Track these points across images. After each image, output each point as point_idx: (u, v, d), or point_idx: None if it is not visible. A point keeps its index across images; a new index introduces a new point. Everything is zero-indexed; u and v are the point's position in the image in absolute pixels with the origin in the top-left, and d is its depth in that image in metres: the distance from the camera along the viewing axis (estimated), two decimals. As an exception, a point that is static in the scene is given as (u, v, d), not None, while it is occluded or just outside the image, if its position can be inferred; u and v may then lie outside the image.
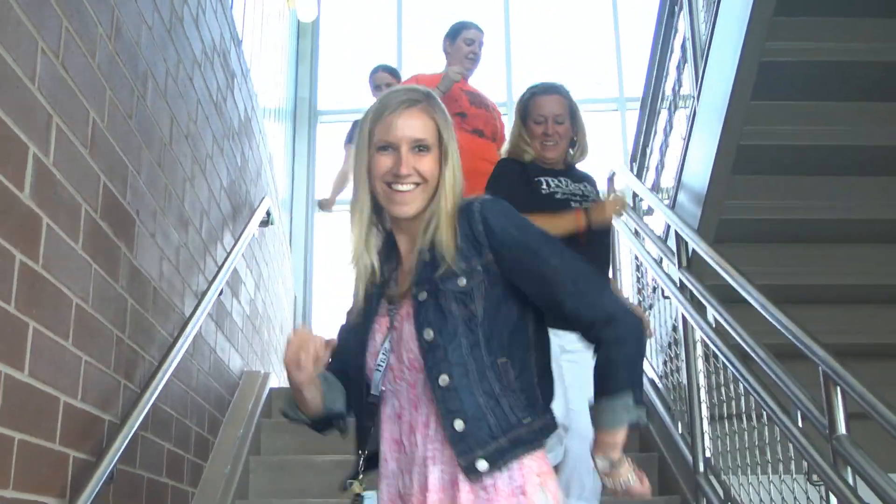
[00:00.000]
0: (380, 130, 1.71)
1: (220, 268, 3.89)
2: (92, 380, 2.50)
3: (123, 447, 2.55)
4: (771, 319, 2.96)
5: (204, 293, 3.61)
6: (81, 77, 2.44)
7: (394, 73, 5.57)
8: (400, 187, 1.67)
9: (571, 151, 3.33)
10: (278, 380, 4.99)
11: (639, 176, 5.16)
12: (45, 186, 2.21)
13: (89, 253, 2.48)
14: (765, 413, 3.03)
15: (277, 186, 6.33)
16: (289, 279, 7.12)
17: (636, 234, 4.82)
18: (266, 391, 4.65)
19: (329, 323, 7.86)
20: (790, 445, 2.85)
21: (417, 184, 1.67)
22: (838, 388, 2.54)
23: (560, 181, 3.23)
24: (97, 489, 2.37)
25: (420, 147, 1.68)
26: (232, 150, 4.43)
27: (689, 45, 4.27)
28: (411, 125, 1.69)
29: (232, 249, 4.13)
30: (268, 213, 5.06)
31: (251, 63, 5.59)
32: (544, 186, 3.20)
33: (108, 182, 2.63)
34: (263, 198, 5.06)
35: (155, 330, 3.13)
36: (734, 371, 3.26)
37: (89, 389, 2.49)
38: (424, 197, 1.69)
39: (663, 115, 4.87)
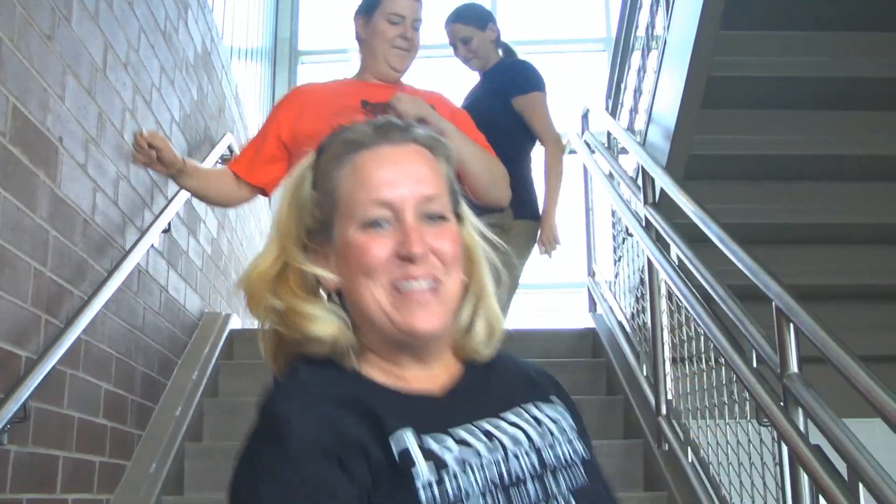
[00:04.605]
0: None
1: (168, 202, 3.74)
2: (1, 313, 2.37)
3: (37, 384, 2.42)
4: (731, 256, 2.83)
5: (147, 228, 3.47)
6: (-17, -10, 2.28)
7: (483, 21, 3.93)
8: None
9: None
10: (241, 321, 4.87)
11: (613, 114, 5.00)
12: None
13: (-4, 179, 2.34)
14: (722, 355, 2.90)
15: (249, 126, 6.16)
16: (265, 222, 6.97)
17: (610, 176, 4.67)
18: (226, 332, 4.53)
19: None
20: (745, 387, 2.72)
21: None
22: (791, 325, 2.42)
23: None
24: (3, 427, 2.25)
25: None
26: (186, 83, 4.26)
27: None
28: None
29: (184, 185, 3.97)
30: (230, 150, 4.90)
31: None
32: None
33: (21, 105, 2.47)
34: (225, 134, 4.90)
35: (87, 265, 2.99)
36: (690, 310, 3.14)
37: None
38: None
39: (637, 54, 4.68)
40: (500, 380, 1.19)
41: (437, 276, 1.09)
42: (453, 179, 1.19)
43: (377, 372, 1.12)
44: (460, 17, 3.90)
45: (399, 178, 1.10)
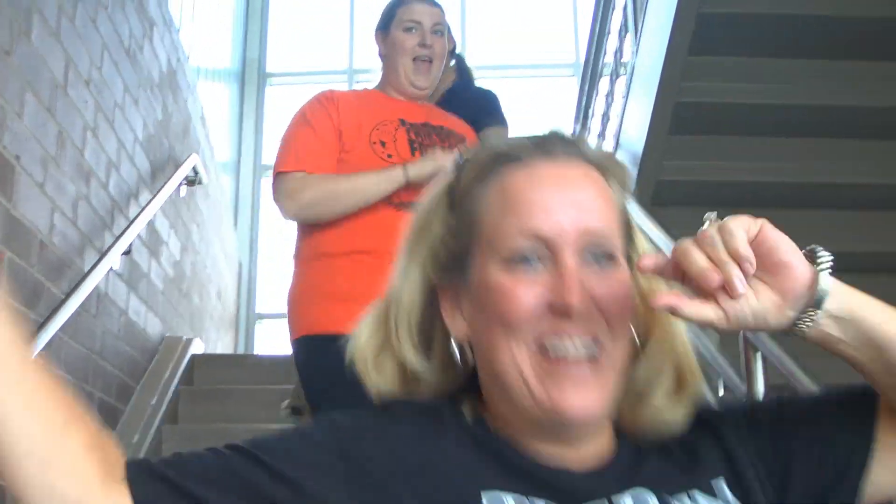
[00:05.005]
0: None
1: (129, 224, 3.67)
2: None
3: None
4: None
5: (107, 250, 3.40)
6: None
7: None
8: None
9: None
10: (203, 346, 4.79)
11: (581, 138, 5.00)
12: None
13: (-52, 198, 2.27)
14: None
15: (215, 147, 6.09)
16: (230, 244, 6.90)
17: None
18: (187, 357, 4.45)
19: (273, 290, 7.66)
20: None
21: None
22: (758, 354, 2.39)
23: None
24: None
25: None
26: (151, 102, 4.20)
27: (629, 2, 4.09)
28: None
29: (146, 207, 3.91)
30: (195, 171, 4.83)
31: (182, 15, 5.34)
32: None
33: (-24, 122, 2.42)
34: (190, 155, 4.83)
35: (43, 287, 2.92)
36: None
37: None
38: None
39: (606, 79, 4.69)
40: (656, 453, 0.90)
41: (598, 336, 0.83)
42: (627, 212, 0.91)
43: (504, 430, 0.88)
44: None
45: (559, 203, 0.85)
